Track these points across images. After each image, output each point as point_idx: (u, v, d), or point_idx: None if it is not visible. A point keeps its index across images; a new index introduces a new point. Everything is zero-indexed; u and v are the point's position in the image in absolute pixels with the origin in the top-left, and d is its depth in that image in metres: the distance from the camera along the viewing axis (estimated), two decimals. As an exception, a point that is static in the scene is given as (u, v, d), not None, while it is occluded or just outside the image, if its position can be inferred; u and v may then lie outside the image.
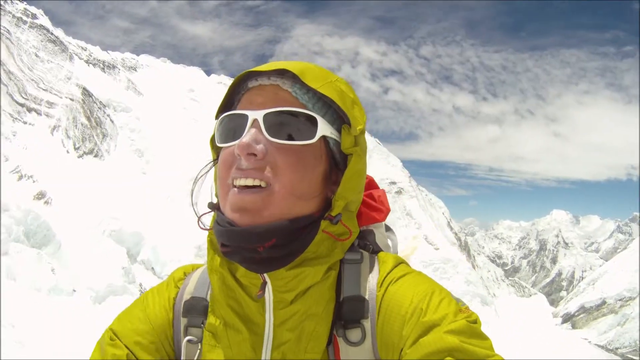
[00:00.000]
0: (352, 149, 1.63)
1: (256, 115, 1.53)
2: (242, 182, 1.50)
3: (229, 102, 1.73)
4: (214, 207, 1.68)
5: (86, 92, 39.69)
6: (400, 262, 1.77)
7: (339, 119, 1.67)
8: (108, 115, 40.04)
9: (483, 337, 1.47)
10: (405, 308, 1.54)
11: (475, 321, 1.50)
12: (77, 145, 33.99)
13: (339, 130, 1.66)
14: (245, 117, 1.55)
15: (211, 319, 1.70)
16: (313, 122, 1.57)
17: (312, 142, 1.56)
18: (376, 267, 1.72)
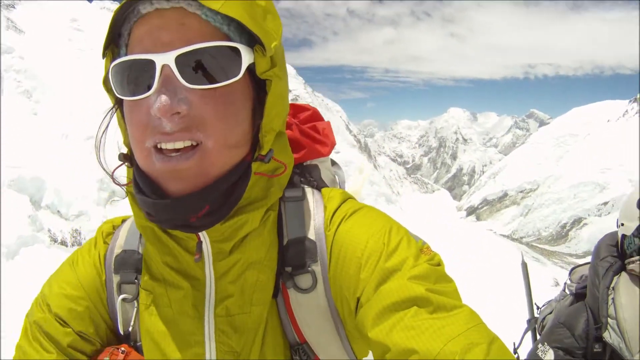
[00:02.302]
0: (269, 72, 1.35)
1: (166, 59, 1.21)
2: (170, 145, 1.25)
3: (116, 35, 1.37)
4: (126, 158, 1.45)
5: (-37, 38, 37.96)
6: (348, 197, 1.62)
7: (253, 37, 1.33)
8: (-10, 60, 38.42)
9: (447, 279, 1.36)
10: (360, 250, 1.41)
11: (439, 263, 1.40)
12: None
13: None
14: (152, 63, 1.22)
15: (146, 277, 1.56)
16: (235, 51, 1.28)
17: (238, 78, 1.29)
18: (321, 204, 1.57)
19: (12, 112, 33.88)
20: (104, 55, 1.36)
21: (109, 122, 1.49)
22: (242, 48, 1.28)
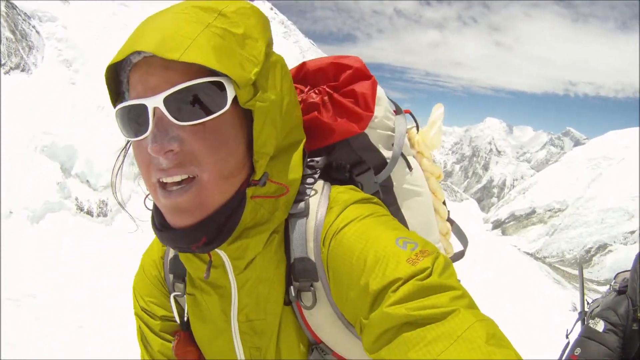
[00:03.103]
0: (250, 102, 1.38)
1: (155, 102, 1.31)
2: (169, 179, 1.35)
3: (116, 82, 1.50)
4: None
5: (9, 5, 37.84)
6: (351, 203, 1.57)
7: None
8: (33, 27, 38.30)
9: (439, 289, 1.27)
10: (348, 272, 1.42)
11: (430, 272, 1.30)
12: (3, 62, 32.62)
13: None
14: (144, 107, 1.33)
15: (188, 285, 1.74)
16: (219, 85, 1.34)
17: (225, 110, 1.35)
18: (321, 219, 1.55)
19: (51, 79, 34.15)
20: (115, 106, 1.47)
21: (123, 161, 1.64)
22: (225, 81, 1.34)
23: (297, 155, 1.60)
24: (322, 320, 1.56)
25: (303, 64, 1.99)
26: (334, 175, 1.80)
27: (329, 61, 1.94)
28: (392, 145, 1.93)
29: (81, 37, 40.46)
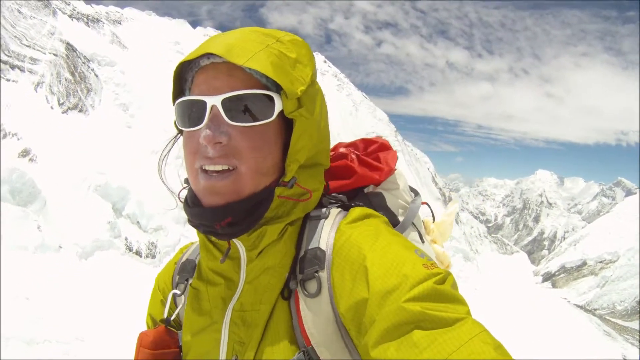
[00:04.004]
0: (295, 112, 1.63)
1: (214, 101, 1.57)
2: (212, 167, 1.58)
3: (181, 81, 1.76)
4: (187, 182, 1.76)
5: (70, 47, 39.18)
6: (369, 215, 1.77)
7: None
8: (92, 70, 39.61)
9: (451, 298, 1.39)
10: (358, 265, 1.54)
11: (444, 280, 1.44)
12: (61, 101, 33.63)
13: None
14: (204, 103, 1.59)
15: (195, 278, 1.92)
16: (270, 99, 1.60)
17: (270, 120, 1.61)
18: (338, 220, 1.74)
19: (107, 121, 35.06)
20: (174, 101, 1.71)
21: (171, 147, 1.90)
22: (275, 96, 1.59)
23: (321, 174, 1.85)
24: (317, 313, 1.60)
25: (337, 144, 2.21)
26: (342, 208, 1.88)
27: (359, 140, 2.21)
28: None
29: (138, 83, 41.55)
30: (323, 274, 1.62)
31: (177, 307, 2.00)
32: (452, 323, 1.30)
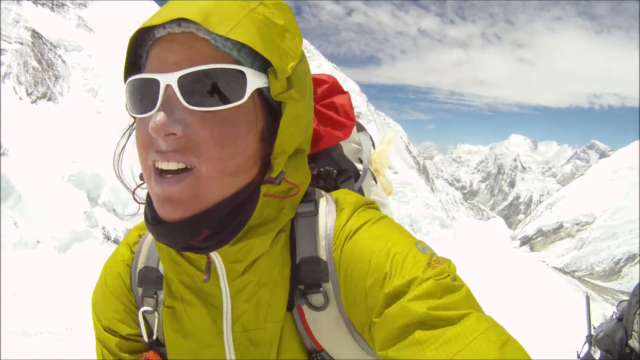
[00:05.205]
0: (284, 94, 1.34)
1: (168, 79, 1.24)
2: (165, 165, 1.27)
3: (135, 56, 1.43)
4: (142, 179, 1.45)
5: (36, 34, 38.39)
6: (359, 206, 1.56)
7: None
8: (59, 56, 38.81)
9: (454, 289, 1.30)
10: (364, 273, 1.38)
11: (447, 274, 1.33)
12: (29, 91, 33.00)
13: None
14: (156, 82, 1.26)
15: (166, 295, 1.60)
16: (241, 76, 1.27)
17: (241, 102, 1.28)
18: (332, 217, 1.53)
19: (77, 108, 34.65)
20: (125, 80, 1.39)
21: (127, 140, 1.56)
22: (248, 72, 1.28)
23: (306, 162, 1.57)
24: (326, 324, 1.49)
25: None
26: (320, 182, 1.75)
27: None
28: (359, 158, 2.03)
29: (107, 66, 41.02)
30: (328, 285, 1.46)
31: (149, 324, 1.69)
32: (456, 320, 1.22)
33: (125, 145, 1.57)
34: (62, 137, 28.28)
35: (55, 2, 47.83)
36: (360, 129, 2.12)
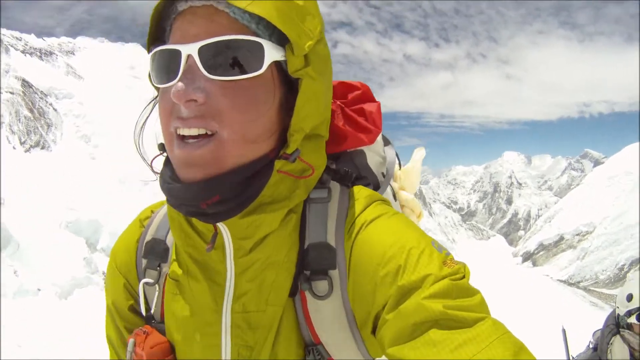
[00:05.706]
0: (301, 71, 1.38)
1: (189, 49, 1.30)
2: (186, 132, 1.32)
3: (159, 29, 1.49)
4: (163, 148, 1.50)
5: (26, 83, 38.85)
6: (375, 200, 1.59)
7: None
8: (50, 104, 39.18)
9: (470, 292, 1.31)
10: (377, 263, 1.39)
11: (463, 275, 1.34)
12: (22, 140, 33.23)
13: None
14: (178, 53, 1.32)
15: (174, 266, 1.62)
16: (259, 47, 1.32)
17: (260, 73, 1.33)
18: (346, 207, 1.55)
19: (71, 155, 34.80)
20: (149, 51, 1.44)
21: (150, 112, 1.61)
22: (266, 44, 1.32)
23: (323, 147, 1.60)
24: (327, 315, 1.49)
25: None
26: (338, 181, 1.71)
27: (337, 82, 1.98)
28: (382, 171, 2.00)
29: (98, 112, 41.28)
30: (334, 273, 1.47)
31: (148, 298, 1.73)
32: (472, 323, 1.22)
33: (147, 117, 1.63)
34: (58, 184, 28.39)
35: (43, 50, 48.38)
36: (387, 143, 2.13)
